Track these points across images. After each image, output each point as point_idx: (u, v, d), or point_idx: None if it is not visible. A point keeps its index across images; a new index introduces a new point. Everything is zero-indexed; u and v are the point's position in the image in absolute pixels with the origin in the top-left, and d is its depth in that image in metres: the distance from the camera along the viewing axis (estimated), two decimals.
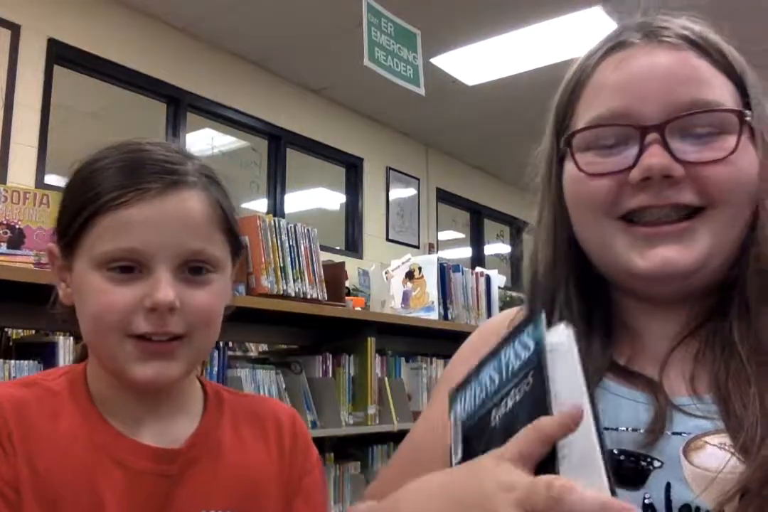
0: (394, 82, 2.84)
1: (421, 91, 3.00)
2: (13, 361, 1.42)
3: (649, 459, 0.58)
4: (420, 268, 2.61)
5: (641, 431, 0.59)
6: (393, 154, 5.95)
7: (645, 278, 0.62)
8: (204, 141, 4.65)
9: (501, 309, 3.06)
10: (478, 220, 7.10)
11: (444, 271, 2.62)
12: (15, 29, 3.56)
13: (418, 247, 6.07)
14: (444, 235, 6.62)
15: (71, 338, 1.49)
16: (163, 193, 0.65)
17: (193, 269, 0.67)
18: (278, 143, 5.05)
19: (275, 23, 4.27)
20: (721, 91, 0.62)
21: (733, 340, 0.61)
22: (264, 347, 3.13)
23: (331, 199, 5.63)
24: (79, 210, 0.65)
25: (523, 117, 5.76)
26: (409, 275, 2.63)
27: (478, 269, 2.88)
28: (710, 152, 0.60)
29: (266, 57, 4.74)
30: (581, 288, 0.68)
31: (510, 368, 0.52)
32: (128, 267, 0.64)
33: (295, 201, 5.25)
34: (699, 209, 0.61)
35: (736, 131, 0.61)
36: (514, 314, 0.77)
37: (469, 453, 0.52)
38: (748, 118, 0.62)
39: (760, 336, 0.60)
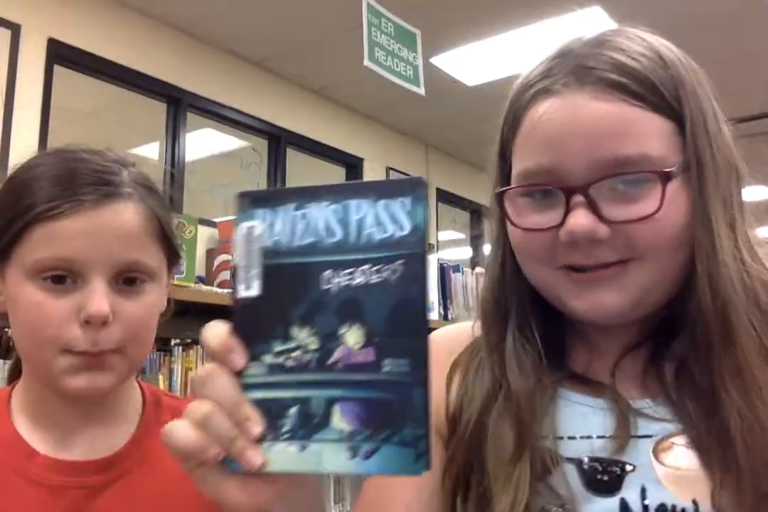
0: (394, 82, 2.84)
1: (421, 91, 3.00)
2: None
3: (621, 464, 0.59)
4: None
5: (609, 437, 0.60)
6: (393, 154, 5.95)
7: (585, 319, 0.65)
8: (204, 141, 4.65)
9: None
10: (478, 220, 7.09)
11: (444, 272, 2.62)
12: (15, 29, 3.55)
13: None
14: (444, 235, 6.61)
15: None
16: (98, 204, 0.65)
17: (127, 280, 0.67)
18: (278, 143, 5.05)
19: (275, 23, 4.27)
20: (650, 140, 0.60)
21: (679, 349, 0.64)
22: None
23: None
24: (12, 219, 0.66)
25: None
26: None
27: (479, 269, 2.88)
28: (636, 209, 0.60)
29: (266, 57, 4.74)
30: (536, 305, 0.69)
31: (365, 233, 0.47)
32: (61, 277, 0.64)
33: None
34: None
35: (663, 185, 0.60)
36: (467, 330, 0.75)
37: (267, 297, 0.47)
38: (673, 170, 0.60)
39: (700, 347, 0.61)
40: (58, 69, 3.77)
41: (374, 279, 0.45)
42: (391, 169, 5.91)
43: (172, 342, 2.13)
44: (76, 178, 0.66)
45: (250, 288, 0.47)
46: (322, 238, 0.47)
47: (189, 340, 1.96)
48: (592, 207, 0.60)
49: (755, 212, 0.66)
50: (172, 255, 0.74)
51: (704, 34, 3.79)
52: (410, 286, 0.45)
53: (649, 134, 0.60)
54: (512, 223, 0.66)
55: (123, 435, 0.71)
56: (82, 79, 3.95)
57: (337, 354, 0.46)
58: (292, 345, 0.47)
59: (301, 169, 5.28)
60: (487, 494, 0.60)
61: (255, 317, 0.47)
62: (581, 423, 0.62)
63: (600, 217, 0.60)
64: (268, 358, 0.47)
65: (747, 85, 4.31)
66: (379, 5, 2.84)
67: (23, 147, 3.53)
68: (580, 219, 0.60)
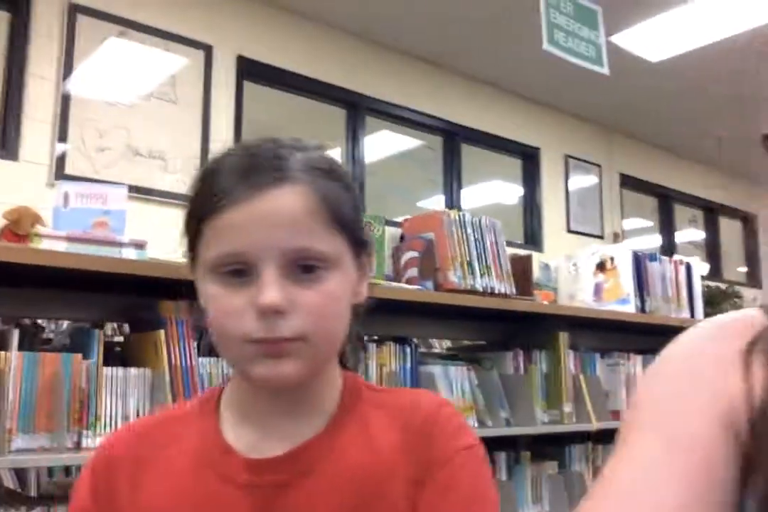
0: (574, 63, 2.71)
1: (605, 70, 2.84)
2: None
3: None
4: (612, 258, 2.46)
5: None
6: (571, 141, 5.73)
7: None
8: (381, 142, 4.75)
9: (705, 301, 2.82)
10: (667, 206, 6.64)
11: (639, 261, 2.46)
12: (207, 50, 3.85)
13: (602, 237, 5.79)
14: (629, 224, 6.26)
15: None
16: (262, 192, 0.64)
17: (304, 267, 0.64)
18: (453, 139, 5.05)
19: (445, 19, 4.27)
20: None
21: None
22: (447, 343, 3.12)
23: (508, 191, 5.53)
24: (191, 217, 0.68)
25: (713, 91, 5.32)
26: (601, 266, 2.49)
27: (677, 257, 2.67)
28: None
29: (438, 54, 4.75)
30: None
31: None
32: (238, 270, 0.64)
33: (472, 196, 5.21)
34: None
35: None
36: (755, 320, 0.56)
37: None
38: None
39: None
40: (246, 84, 4.03)
41: None
42: (569, 156, 5.69)
43: (365, 338, 2.19)
44: (243, 169, 0.65)
45: None
46: None
47: (379, 337, 2.00)
48: None
49: None
50: (356, 242, 0.69)
51: None
52: None
53: None
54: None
55: (315, 428, 0.69)
56: (268, 91, 4.20)
57: None
58: None
59: (476, 164, 5.24)
60: None
61: None
62: None
63: None
64: None
65: None
66: None
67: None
68: None
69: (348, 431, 0.69)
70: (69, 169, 3.29)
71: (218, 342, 0.67)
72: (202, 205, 0.65)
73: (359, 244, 0.70)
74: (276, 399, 0.69)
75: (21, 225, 2.48)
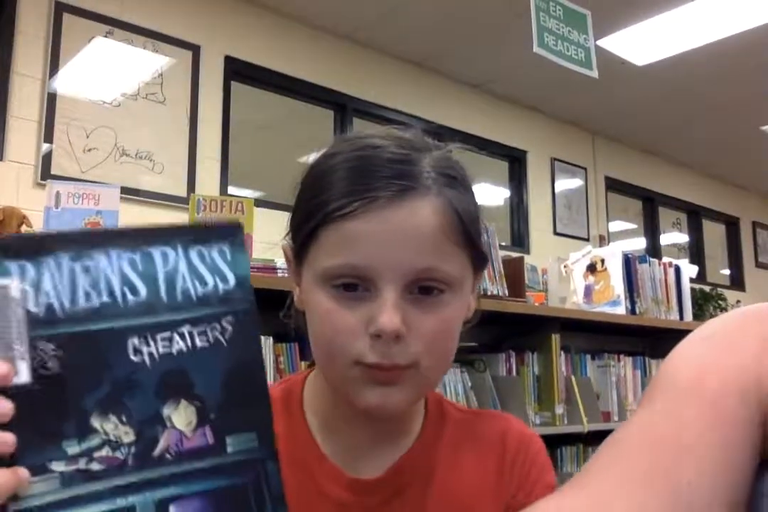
0: (562, 67, 2.73)
1: (594, 73, 2.86)
2: None
3: None
4: (603, 260, 2.47)
5: None
6: (558, 145, 5.76)
7: None
8: None
9: (694, 303, 2.84)
10: (651, 208, 6.69)
11: (629, 263, 2.47)
12: (195, 50, 3.82)
13: (587, 240, 5.82)
14: (614, 226, 6.30)
15: (271, 338, 1.54)
16: (392, 202, 0.57)
17: (423, 289, 0.58)
18: (440, 141, 5.04)
19: (435, 23, 4.27)
20: None
21: None
22: None
23: (495, 194, 5.54)
24: (307, 218, 0.60)
25: (699, 95, 5.37)
26: (591, 268, 2.50)
27: (667, 259, 2.69)
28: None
29: (426, 57, 4.75)
30: None
31: (179, 288, 0.37)
32: (352, 284, 0.58)
33: None
34: None
35: None
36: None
37: (48, 382, 0.35)
38: None
39: None
40: (234, 84, 4.01)
41: (199, 343, 0.37)
42: (555, 159, 5.72)
43: None
44: (369, 172, 0.58)
45: (20, 374, 0.35)
46: (119, 297, 0.36)
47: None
48: None
49: None
50: (478, 258, 0.63)
51: None
52: (244, 348, 0.37)
53: None
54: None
55: (404, 447, 0.66)
56: (256, 92, 4.18)
57: (163, 443, 0.37)
58: (94, 441, 0.36)
59: (464, 166, 5.23)
60: None
61: (34, 412, 0.35)
62: None
63: None
64: (60, 466, 0.35)
65: None
66: None
67: (208, 160, 3.79)
68: None
69: (438, 453, 0.66)
70: (55, 170, 3.25)
71: (322, 360, 0.62)
72: (322, 208, 0.58)
73: (480, 260, 0.64)
74: (367, 423, 0.65)
75: (7, 225, 2.45)
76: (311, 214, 0.60)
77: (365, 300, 0.58)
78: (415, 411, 0.68)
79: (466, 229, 0.61)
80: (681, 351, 0.53)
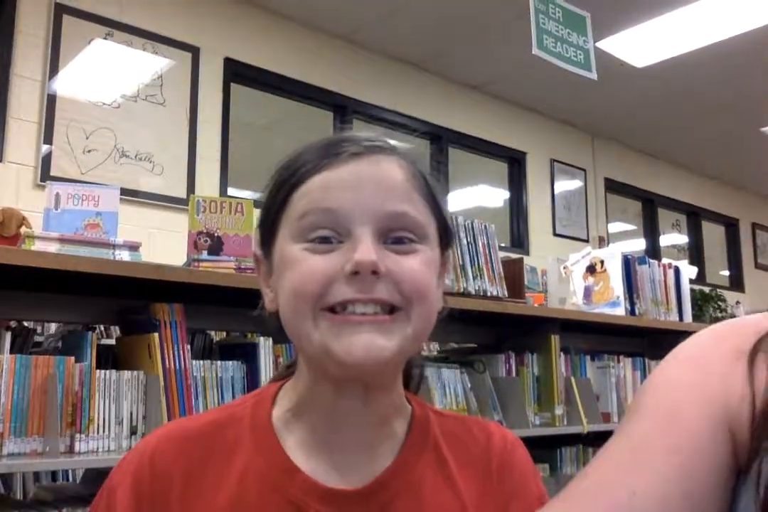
0: (562, 69, 2.73)
1: (593, 75, 2.86)
2: (218, 362, 1.50)
3: None
4: (602, 261, 2.48)
5: None
6: (557, 146, 5.77)
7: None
8: None
9: (694, 304, 2.84)
10: (651, 210, 6.70)
11: (629, 264, 2.47)
12: (195, 51, 3.83)
13: (587, 241, 5.83)
14: (614, 227, 6.31)
15: (270, 339, 1.54)
16: (360, 156, 0.60)
17: (396, 239, 0.59)
18: (440, 143, 5.06)
19: (434, 24, 4.28)
20: None
21: None
22: (436, 346, 3.11)
23: (494, 195, 5.54)
24: (279, 190, 0.62)
25: (698, 96, 5.38)
26: (591, 269, 2.51)
27: (666, 260, 2.69)
28: None
29: (426, 58, 4.76)
30: None
31: None
32: (327, 238, 0.58)
33: (458, 199, 5.22)
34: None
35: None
36: (761, 323, 0.57)
37: None
38: None
39: None
40: (234, 86, 4.01)
41: None
42: (555, 161, 5.73)
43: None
44: (339, 142, 0.61)
45: None
46: None
47: None
48: None
49: None
50: (444, 230, 0.64)
51: None
52: None
53: None
54: None
55: (388, 456, 0.63)
56: (255, 94, 4.18)
57: None
58: None
59: (463, 167, 5.25)
60: None
61: None
62: None
63: None
64: None
65: None
66: None
67: (208, 161, 3.79)
68: None
69: (423, 462, 0.64)
70: (55, 171, 3.25)
71: (291, 318, 0.59)
72: (293, 175, 0.61)
73: (445, 231, 0.65)
74: (347, 420, 0.62)
75: (7, 227, 2.45)
76: (283, 186, 0.62)
77: (340, 249, 0.58)
78: (395, 413, 0.65)
79: (431, 190, 0.63)
80: (656, 373, 0.55)
